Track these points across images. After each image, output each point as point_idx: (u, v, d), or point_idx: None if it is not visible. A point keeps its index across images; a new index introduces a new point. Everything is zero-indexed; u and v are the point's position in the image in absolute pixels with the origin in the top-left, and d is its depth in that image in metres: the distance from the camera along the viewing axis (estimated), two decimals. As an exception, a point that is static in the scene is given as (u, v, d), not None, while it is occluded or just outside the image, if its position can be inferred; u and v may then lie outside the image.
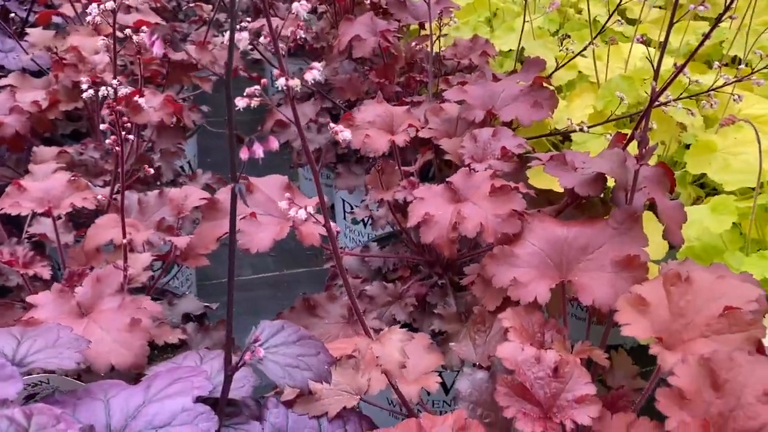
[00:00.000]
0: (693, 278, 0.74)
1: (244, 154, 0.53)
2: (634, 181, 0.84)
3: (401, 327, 1.06)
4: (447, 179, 0.97)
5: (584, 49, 1.34)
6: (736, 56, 1.58)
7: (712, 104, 1.13)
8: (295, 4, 0.56)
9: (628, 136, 0.97)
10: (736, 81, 1.14)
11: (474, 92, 1.21)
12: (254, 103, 0.59)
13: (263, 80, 0.62)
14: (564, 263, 0.84)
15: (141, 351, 0.76)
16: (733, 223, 1.02)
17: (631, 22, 1.85)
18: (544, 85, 1.21)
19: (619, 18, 1.40)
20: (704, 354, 0.65)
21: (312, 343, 0.66)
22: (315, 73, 0.58)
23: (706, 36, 0.90)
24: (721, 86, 1.13)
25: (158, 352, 1.05)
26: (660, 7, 1.88)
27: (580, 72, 1.42)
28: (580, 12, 1.76)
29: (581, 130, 1.18)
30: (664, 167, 0.94)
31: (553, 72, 1.40)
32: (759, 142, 0.95)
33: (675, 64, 0.92)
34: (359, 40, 1.46)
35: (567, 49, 1.40)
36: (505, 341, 0.76)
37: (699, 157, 1.19)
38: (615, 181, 0.86)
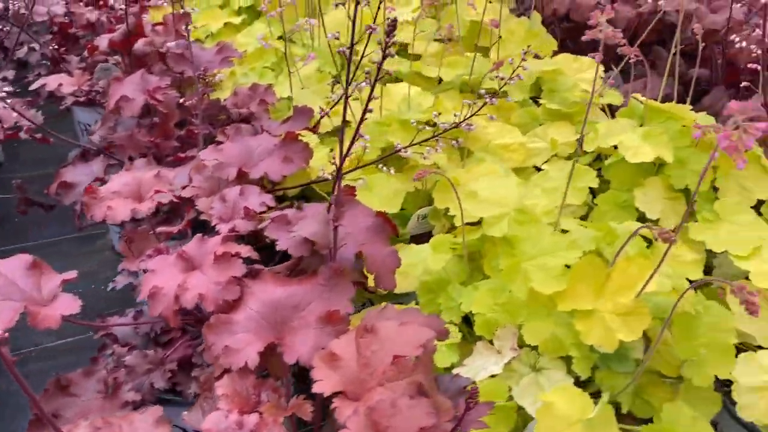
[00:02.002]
0: (377, 328, 0.81)
1: None
2: (335, 240, 0.91)
3: (163, 392, 1.09)
4: (182, 248, 1.00)
5: (344, 94, 1.42)
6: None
7: (457, 140, 1.24)
8: None
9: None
10: (469, 116, 1.26)
11: (230, 150, 1.25)
12: None
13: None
14: (279, 324, 0.89)
15: None
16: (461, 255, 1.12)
17: (416, 57, 1.98)
18: (299, 137, 1.27)
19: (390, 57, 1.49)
20: (370, 404, 0.72)
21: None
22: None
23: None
24: (451, 128, 1.24)
25: None
26: (439, 41, 2.02)
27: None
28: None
29: (332, 176, 1.24)
30: (382, 217, 1.02)
31: (320, 119, 1.47)
32: (457, 196, 1.05)
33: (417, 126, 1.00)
34: (127, 100, 1.46)
35: (335, 94, 1.47)
36: (215, 410, 0.80)
37: (444, 193, 1.30)
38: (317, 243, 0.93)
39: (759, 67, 1.47)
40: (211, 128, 1.55)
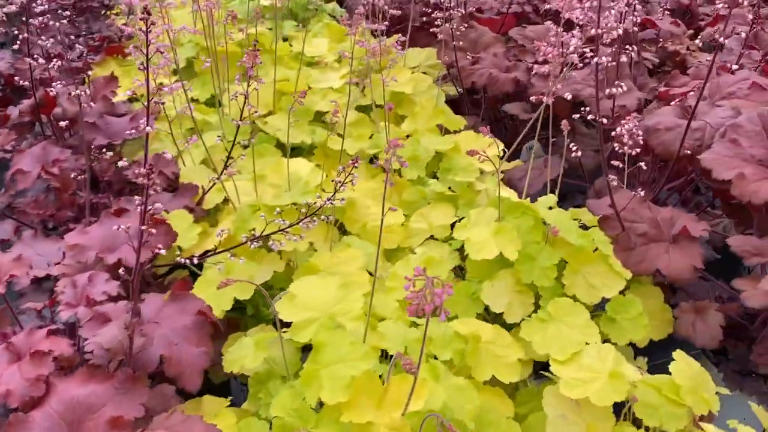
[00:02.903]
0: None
1: None
2: (130, 346, 0.97)
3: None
4: (10, 339, 1.07)
5: (222, 173, 1.48)
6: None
7: (300, 236, 1.31)
8: None
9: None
10: (321, 206, 1.32)
11: (95, 232, 1.32)
12: None
13: None
14: (76, 424, 0.95)
15: None
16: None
17: (332, 126, 2.04)
18: (163, 221, 1.34)
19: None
20: None
21: None
22: None
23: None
24: (295, 223, 1.30)
25: None
26: (360, 110, 2.09)
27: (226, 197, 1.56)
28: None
29: (191, 261, 1.31)
30: (203, 315, 1.09)
31: (202, 196, 1.54)
32: (267, 298, 1.11)
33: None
34: (22, 173, 1.54)
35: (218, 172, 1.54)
36: None
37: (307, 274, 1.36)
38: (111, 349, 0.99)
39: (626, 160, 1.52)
40: (109, 198, 1.63)
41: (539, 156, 2.11)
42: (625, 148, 1.49)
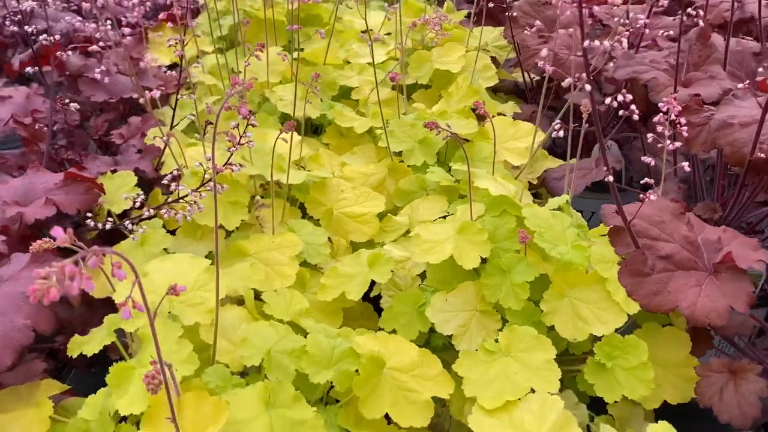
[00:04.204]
0: None
1: None
2: None
3: None
4: None
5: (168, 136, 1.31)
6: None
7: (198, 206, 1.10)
8: None
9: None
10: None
11: (15, 184, 1.20)
12: None
13: None
14: None
15: None
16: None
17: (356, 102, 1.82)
18: (83, 178, 1.19)
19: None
20: None
21: None
22: None
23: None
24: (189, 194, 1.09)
25: None
26: (394, 88, 1.83)
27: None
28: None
29: (104, 225, 1.15)
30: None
31: (159, 159, 1.38)
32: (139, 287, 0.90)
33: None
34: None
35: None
36: None
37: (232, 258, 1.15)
38: None
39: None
40: (80, 156, 1.52)
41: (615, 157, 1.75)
42: (667, 143, 1.11)
